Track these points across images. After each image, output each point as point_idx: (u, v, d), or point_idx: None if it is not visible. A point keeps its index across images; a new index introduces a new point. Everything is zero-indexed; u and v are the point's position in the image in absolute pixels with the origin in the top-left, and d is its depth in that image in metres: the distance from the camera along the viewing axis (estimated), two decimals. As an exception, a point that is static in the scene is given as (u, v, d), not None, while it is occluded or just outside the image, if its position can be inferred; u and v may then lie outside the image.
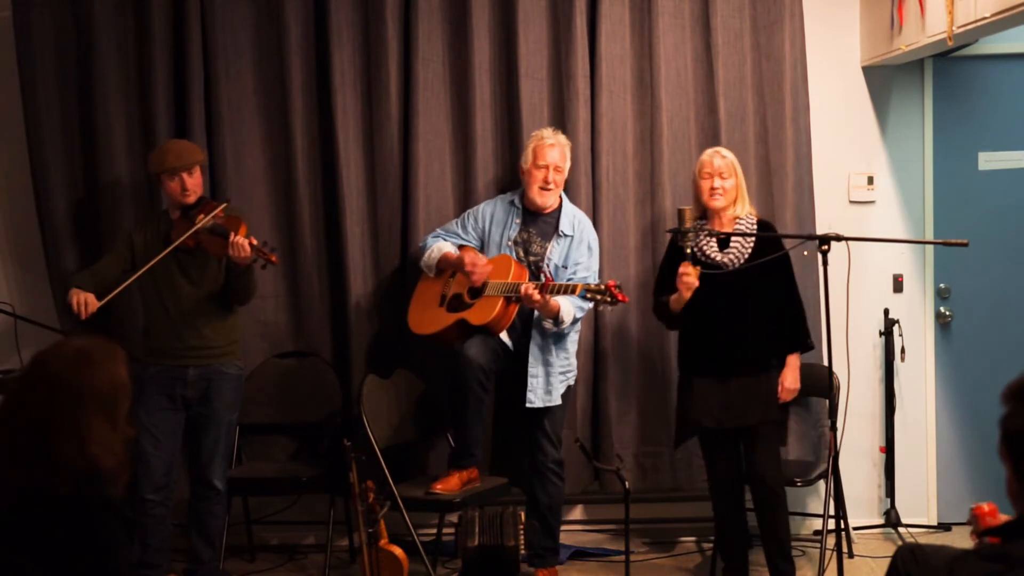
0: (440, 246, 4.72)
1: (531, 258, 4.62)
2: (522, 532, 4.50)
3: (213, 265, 4.46)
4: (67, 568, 2.30)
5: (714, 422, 4.34)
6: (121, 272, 4.44)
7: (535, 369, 4.53)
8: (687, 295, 4.23)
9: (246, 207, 5.06)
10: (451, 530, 4.80)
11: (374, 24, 5.04)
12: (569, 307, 4.46)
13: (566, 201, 4.71)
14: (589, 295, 4.25)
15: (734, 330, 4.31)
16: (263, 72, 5.10)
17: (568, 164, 4.69)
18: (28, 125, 5.03)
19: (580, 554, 5.07)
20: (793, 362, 4.45)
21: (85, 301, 4.29)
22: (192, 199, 4.46)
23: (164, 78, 5.01)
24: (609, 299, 4.21)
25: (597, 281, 4.47)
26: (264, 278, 5.07)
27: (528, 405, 4.53)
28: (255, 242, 4.32)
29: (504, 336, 4.61)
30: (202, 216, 4.38)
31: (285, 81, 5.07)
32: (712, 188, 4.36)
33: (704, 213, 4.42)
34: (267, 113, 5.12)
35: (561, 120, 5.03)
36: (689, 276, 4.20)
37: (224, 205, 4.43)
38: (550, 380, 4.55)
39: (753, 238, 4.37)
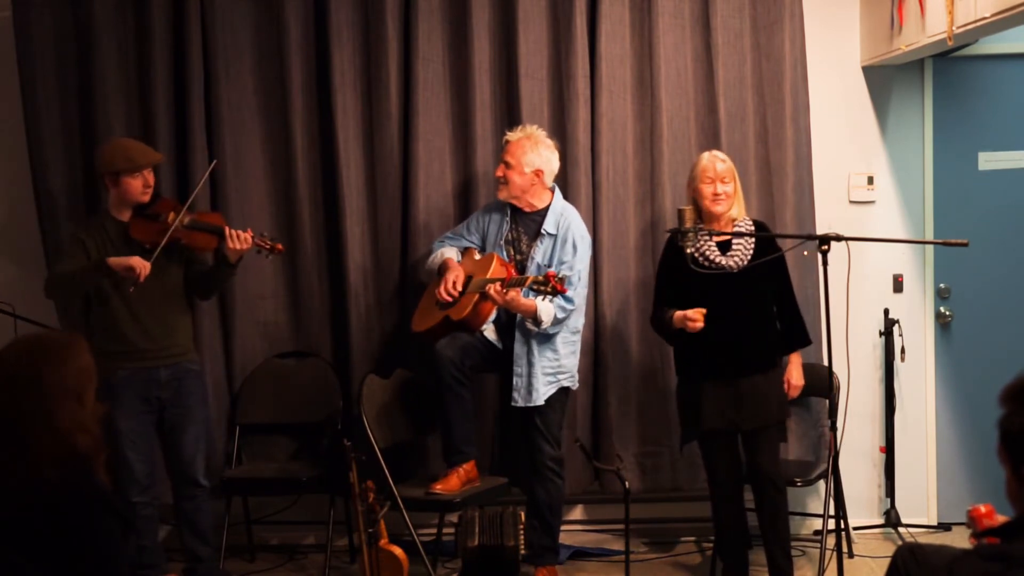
0: (444, 251, 4.76)
1: (518, 257, 4.64)
2: (522, 532, 4.50)
3: (174, 263, 4.45)
4: (66, 567, 2.31)
5: (727, 424, 4.34)
6: None
7: (519, 369, 4.56)
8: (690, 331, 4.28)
9: (246, 207, 5.08)
10: (451, 530, 4.80)
11: (374, 24, 5.04)
12: (548, 307, 4.46)
13: (557, 199, 4.69)
14: (536, 287, 4.29)
15: (742, 331, 4.32)
16: (263, 72, 5.10)
17: (533, 158, 4.59)
18: (28, 125, 5.03)
19: (580, 554, 5.07)
20: (796, 359, 4.53)
21: (141, 264, 4.22)
22: (149, 196, 4.43)
23: (164, 78, 5.00)
24: (550, 290, 4.24)
25: (581, 280, 4.56)
26: (264, 278, 5.10)
27: (512, 404, 4.58)
28: (252, 234, 4.35)
29: (492, 335, 4.64)
30: (173, 215, 4.37)
31: (285, 81, 5.07)
32: (715, 193, 4.36)
33: (700, 216, 4.42)
34: (267, 113, 5.12)
35: (561, 120, 5.03)
36: (698, 323, 4.22)
37: (186, 206, 4.41)
38: (532, 382, 4.55)
39: (753, 239, 4.37)
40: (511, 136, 4.67)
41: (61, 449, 2.34)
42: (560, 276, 4.29)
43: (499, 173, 4.65)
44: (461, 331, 4.57)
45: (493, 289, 4.38)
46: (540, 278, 4.29)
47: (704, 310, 4.23)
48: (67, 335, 2.52)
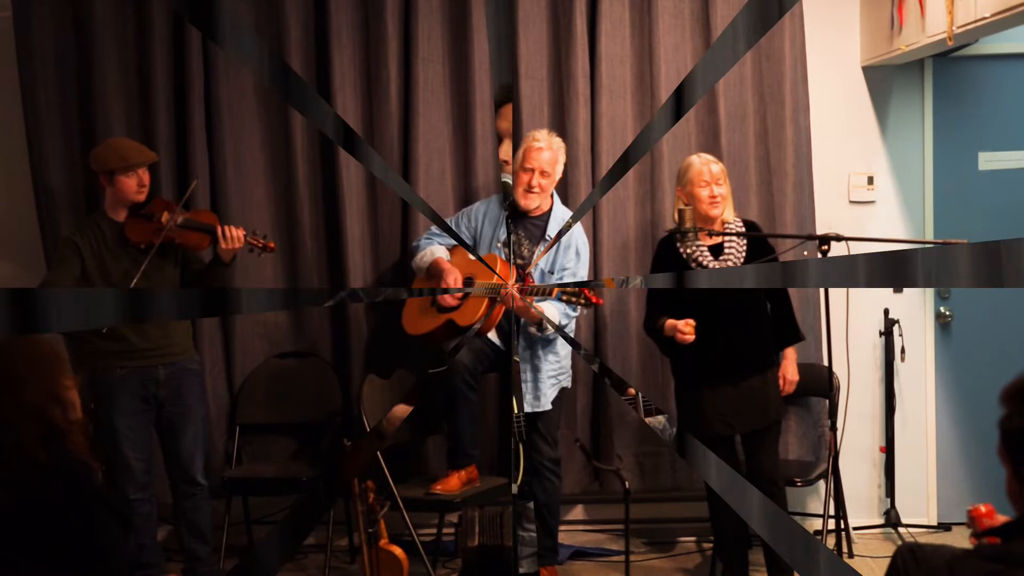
0: (433, 250, 4.73)
1: (519, 261, 4.63)
2: (522, 532, 4.51)
3: (169, 262, 4.45)
4: (65, 566, 2.31)
5: (726, 429, 4.33)
6: (74, 281, 4.32)
7: (524, 376, 4.55)
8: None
9: (246, 207, 5.08)
10: (451, 530, 4.80)
11: (374, 24, 5.04)
12: (554, 313, 4.46)
13: (557, 203, 4.69)
14: (565, 297, 4.27)
15: (737, 335, 4.31)
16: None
17: (560, 168, 4.62)
18: (28, 124, 5.02)
19: (580, 554, 5.07)
20: (791, 354, 4.52)
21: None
22: (144, 195, 4.42)
23: (164, 78, 5.01)
24: (583, 302, 4.24)
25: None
26: (264, 278, 5.09)
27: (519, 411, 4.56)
28: (244, 232, 4.36)
29: (493, 335, 4.64)
30: (167, 214, 4.37)
31: (285, 81, 5.06)
32: (712, 196, 4.35)
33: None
34: (267, 113, 5.12)
35: (561, 120, 5.03)
36: (687, 335, 4.21)
37: (179, 205, 4.41)
38: (539, 386, 4.55)
39: (745, 241, 4.37)
40: (541, 143, 4.57)
41: (37, 423, 2.35)
42: (593, 288, 4.29)
43: (532, 182, 4.55)
44: (468, 335, 4.56)
45: (512, 297, 4.36)
46: (570, 288, 4.26)
47: (694, 322, 4.21)
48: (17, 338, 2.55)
